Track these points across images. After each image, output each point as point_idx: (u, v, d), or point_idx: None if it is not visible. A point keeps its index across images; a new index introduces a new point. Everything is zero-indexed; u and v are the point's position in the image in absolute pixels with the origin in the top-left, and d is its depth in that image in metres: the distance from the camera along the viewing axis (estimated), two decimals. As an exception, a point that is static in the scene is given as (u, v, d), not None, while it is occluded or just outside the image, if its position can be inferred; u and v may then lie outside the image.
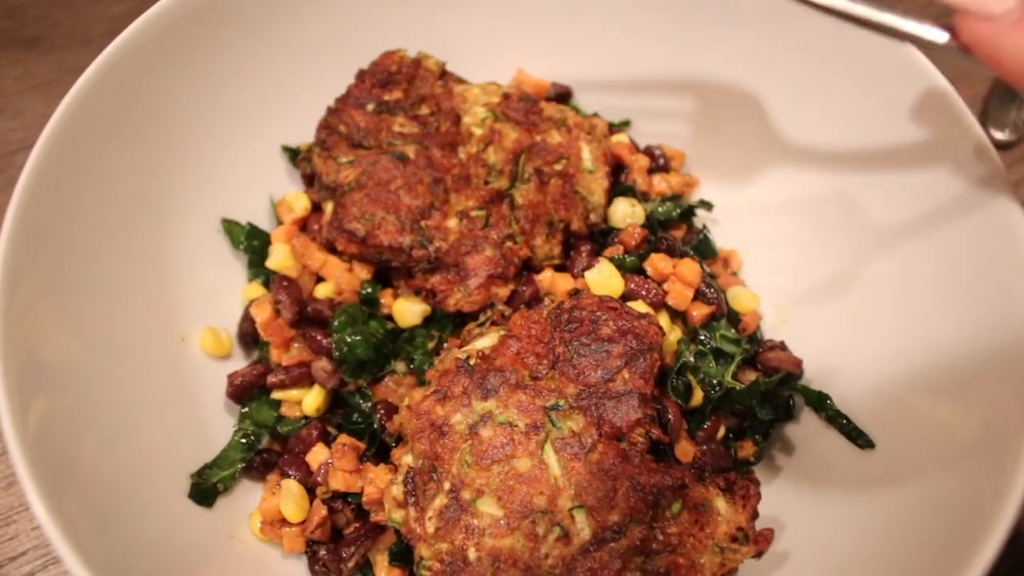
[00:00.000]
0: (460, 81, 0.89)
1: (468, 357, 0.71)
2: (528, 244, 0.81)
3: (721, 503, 0.68)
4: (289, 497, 0.73)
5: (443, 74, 0.88)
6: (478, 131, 0.84)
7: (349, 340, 0.78)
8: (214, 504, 0.75)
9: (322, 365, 0.79)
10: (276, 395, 0.80)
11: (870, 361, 0.79)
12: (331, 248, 0.84)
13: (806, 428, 0.82)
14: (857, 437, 0.76)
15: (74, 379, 0.69)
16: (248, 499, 0.78)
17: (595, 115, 0.91)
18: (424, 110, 0.85)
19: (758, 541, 0.69)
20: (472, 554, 0.64)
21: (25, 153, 1.06)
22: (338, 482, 0.73)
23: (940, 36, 0.61)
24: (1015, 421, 0.64)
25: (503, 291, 0.79)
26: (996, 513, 0.60)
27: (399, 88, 0.86)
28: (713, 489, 0.69)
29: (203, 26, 0.84)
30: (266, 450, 0.79)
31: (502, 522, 0.65)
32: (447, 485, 0.67)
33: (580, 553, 0.63)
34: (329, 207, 0.84)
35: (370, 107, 0.85)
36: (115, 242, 0.78)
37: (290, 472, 0.76)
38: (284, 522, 0.74)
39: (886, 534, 0.69)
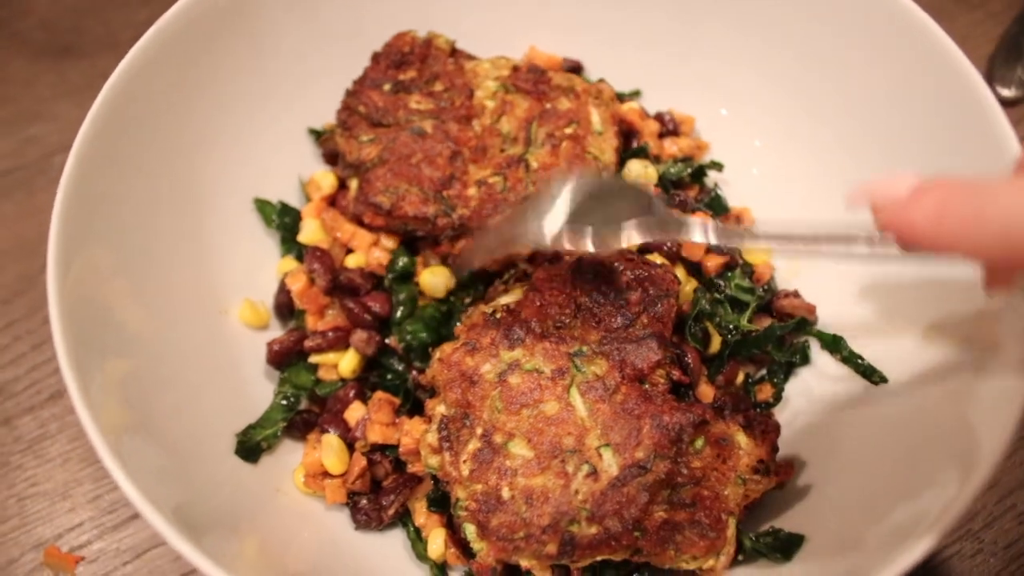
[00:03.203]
0: (471, 58, 0.93)
1: (494, 311, 0.75)
2: None
3: (742, 438, 0.71)
4: (330, 450, 0.77)
5: (453, 52, 0.93)
6: (490, 103, 0.88)
7: (411, 329, 0.82)
8: (259, 460, 0.79)
9: (360, 336, 0.83)
10: (313, 359, 0.84)
11: (878, 307, 0.82)
12: (359, 222, 0.88)
13: (821, 371, 0.85)
14: (871, 374, 0.79)
15: (133, 347, 0.74)
16: (290, 457, 0.82)
17: (601, 80, 0.94)
18: (438, 87, 0.89)
19: (779, 472, 0.72)
20: (506, 493, 0.68)
21: (62, 154, 1.11)
22: (376, 435, 0.77)
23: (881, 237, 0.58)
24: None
25: (523, 251, 0.83)
26: (993, 437, 0.62)
27: (413, 67, 0.91)
28: (733, 425, 0.72)
29: (229, 20, 0.89)
30: (306, 411, 0.83)
31: (533, 462, 0.69)
32: (479, 430, 0.70)
33: (609, 488, 0.67)
34: (354, 184, 0.88)
35: (386, 87, 0.90)
36: (159, 225, 0.83)
37: (329, 428, 0.80)
38: (326, 475, 0.78)
39: (896, 464, 0.72)
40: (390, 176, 0.85)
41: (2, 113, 1.17)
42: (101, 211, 0.76)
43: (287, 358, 0.84)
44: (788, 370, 0.85)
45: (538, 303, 0.75)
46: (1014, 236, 0.46)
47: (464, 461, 0.70)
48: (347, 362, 0.83)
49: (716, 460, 0.70)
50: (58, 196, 0.72)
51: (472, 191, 0.85)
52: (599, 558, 0.68)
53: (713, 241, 0.66)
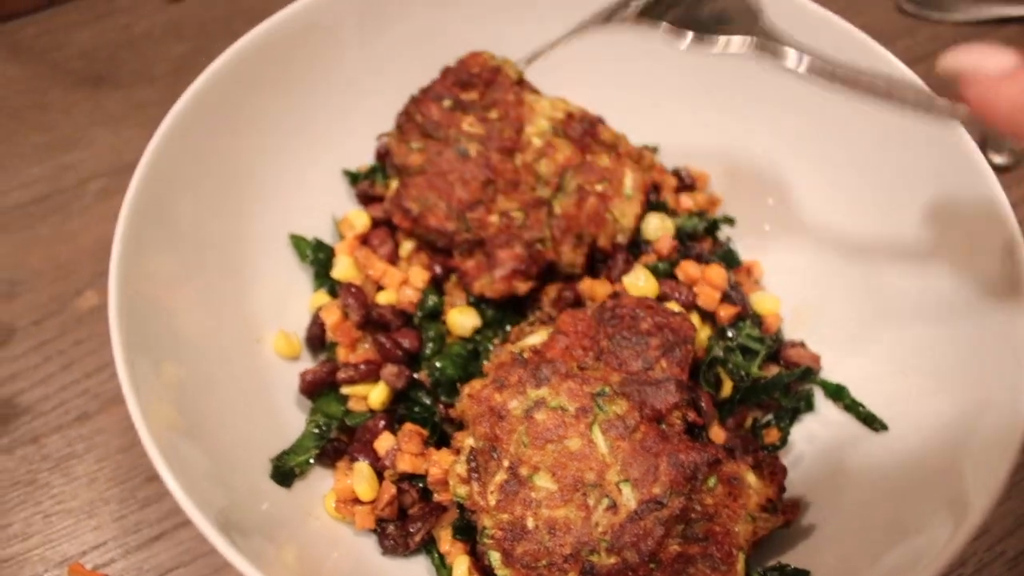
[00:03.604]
0: (534, 91, 0.98)
1: (521, 351, 0.80)
2: (556, 250, 0.90)
3: (751, 477, 0.76)
4: (361, 478, 0.81)
5: (520, 82, 0.98)
6: (537, 142, 0.94)
7: (439, 364, 0.87)
8: (292, 485, 0.83)
9: (390, 370, 0.87)
10: (344, 390, 0.88)
11: (879, 358, 0.88)
12: (387, 222, 0.94)
13: (823, 417, 0.90)
14: (872, 422, 0.84)
15: (183, 355, 0.79)
16: (321, 483, 0.86)
17: (646, 147, 1.00)
18: (493, 114, 0.95)
19: (786, 511, 0.76)
20: (530, 523, 0.72)
21: (98, 180, 1.18)
22: (406, 464, 0.81)
23: (955, 108, 0.59)
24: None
25: (523, 287, 0.89)
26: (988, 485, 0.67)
27: (476, 89, 0.96)
28: (744, 466, 0.76)
29: (278, 69, 0.95)
30: (335, 439, 0.87)
31: (556, 494, 0.73)
32: (506, 463, 0.75)
33: (627, 521, 0.71)
34: (394, 184, 0.94)
35: (446, 103, 0.95)
36: (205, 247, 0.88)
37: (360, 457, 0.84)
38: (356, 501, 0.82)
39: (892, 508, 0.77)
40: (425, 186, 0.91)
41: (40, 139, 1.21)
42: (158, 226, 0.81)
43: (319, 388, 0.88)
44: (793, 415, 0.90)
45: (563, 345, 0.80)
46: None
47: (491, 491, 0.74)
48: (377, 394, 0.87)
49: (727, 498, 0.74)
50: (124, 207, 0.78)
51: (494, 218, 0.90)
52: None
53: (803, 70, 0.67)
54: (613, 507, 0.72)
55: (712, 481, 0.74)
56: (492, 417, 0.76)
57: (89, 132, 1.22)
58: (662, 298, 0.88)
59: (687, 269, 0.90)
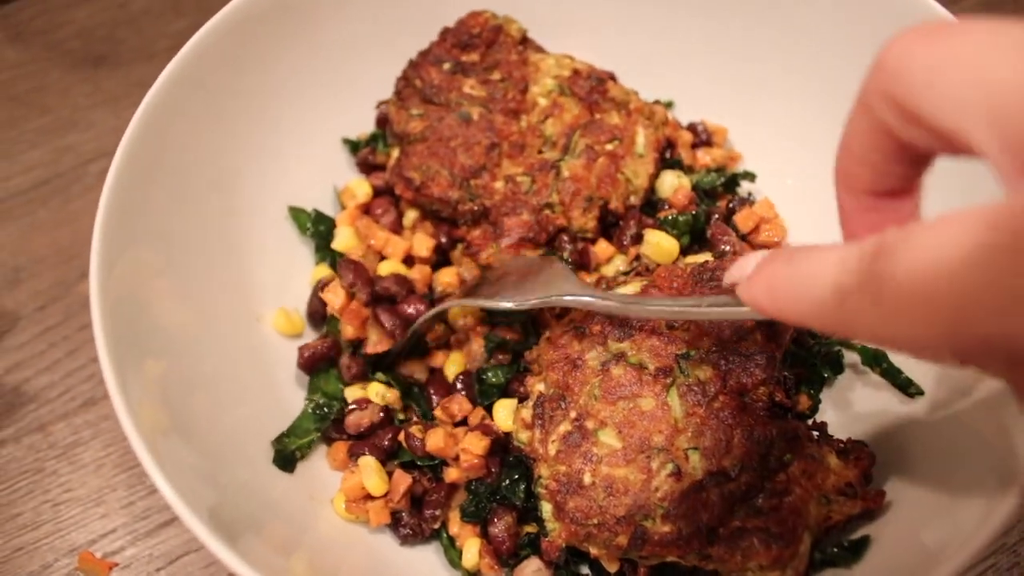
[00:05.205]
0: (539, 50, 0.93)
1: None
2: (565, 215, 0.85)
3: (833, 459, 0.71)
4: (370, 472, 0.77)
5: (523, 40, 0.93)
6: (543, 102, 0.89)
7: (484, 377, 0.82)
8: (295, 470, 0.80)
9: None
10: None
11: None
12: (389, 191, 0.91)
13: (849, 380, 0.85)
14: (908, 387, 0.79)
15: (171, 349, 0.75)
16: (320, 463, 0.83)
17: (658, 102, 0.94)
18: (496, 75, 0.90)
19: (867, 498, 0.71)
20: (587, 479, 0.69)
21: (98, 161, 1.15)
22: (437, 440, 0.77)
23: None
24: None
25: (532, 255, 0.84)
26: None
27: (477, 51, 0.91)
28: (827, 447, 0.71)
29: (268, 33, 0.90)
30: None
31: (619, 453, 0.69)
32: (573, 414, 0.71)
33: (690, 490, 0.67)
34: (395, 153, 0.90)
35: (446, 66, 0.91)
36: (196, 231, 0.84)
37: (364, 451, 0.79)
38: (368, 497, 0.78)
39: (933, 475, 0.72)
40: (427, 154, 0.87)
41: (39, 122, 1.19)
42: (143, 215, 0.77)
43: (318, 363, 0.85)
44: (823, 381, 0.84)
45: None
46: (828, 302, 0.41)
47: (553, 441, 0.71)
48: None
49: (802, 476, 0.69)
50: (102, 199, 0.73)
51: (499, 184, 0.86)
52: (668, 558, 0.68)
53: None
54: (677, 474, 0.67)
55: (788, 457, 0.69)
56: (567, 365, 0.73)
57: (89, 113, 1.20)
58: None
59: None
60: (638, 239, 0.86)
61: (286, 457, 0.79)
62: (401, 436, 0.80)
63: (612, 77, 0.99)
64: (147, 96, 0.80)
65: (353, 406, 0.82)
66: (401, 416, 0.84)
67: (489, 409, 0.79)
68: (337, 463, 0.81)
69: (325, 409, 0.82)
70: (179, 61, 0.82)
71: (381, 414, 0.81)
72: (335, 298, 0.85)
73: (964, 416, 0.73)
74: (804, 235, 0.93)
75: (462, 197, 0.85)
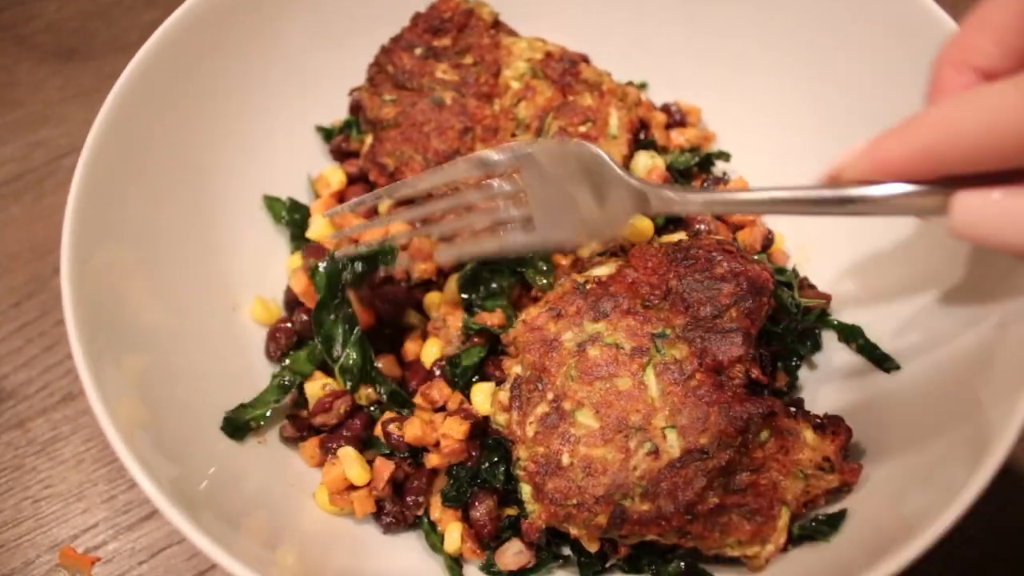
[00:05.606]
0: (511, 33, 0.93)
1: (585, 281, 0.75)
2: None
3: (809, 434, 0.72)
4: (351, 461, 0.77)
5: (495, 24, 0.93)
6: (515, 85, 0.89)
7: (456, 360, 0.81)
8: (244, 439, 0.79)
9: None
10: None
11: (890, 290, 0.82)
12: (364, 178, 0.91)
13: (826, 356, 0.85)
14: (885, 362, 0.79)
15: (146, 343, 0.75)
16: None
17: (630, 83, 0.94)
18: (468, 60, 0.90)
19: (844, 472, 0.72)
20: (566, 459, 0.69)
21: (71, 157, 1.14)
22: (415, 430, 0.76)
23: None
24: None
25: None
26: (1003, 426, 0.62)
27: (448, 35, 0.91)
28: (804, 422, 0.72)
29: (236, 20, 0.89)
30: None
31: (597, 433, 0.69)
32: (550, 395, 0.71)
33: (667, 468, 0.67)
34: (368, 139, 0.90)
35: (418, 51, 0.91)
36: (170, 223, 0.83)
37: (341, 443, 0.79)
38: (351, 488, 0.77)
39: (907, 445, 0.72)
40: (400, 140, 0.87)
41: (10, 117, 1.18)
42: (113, 210, 0.76)
43: (287, 348, 0.85)
44: (800, 358, 0.85)
45: (630, 280, 0.75)
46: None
47: (531, 423, 0.71)
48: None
49: (779, 452, 0.70)
50: (70, 196, 0.73)
51: None
52: (647, 537, 0.68)
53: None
54: (655, 453, 0.68)
55: (765, 434, 0.70)
56: (543, 346, 0.73)
57: (60, 107, 1.19)
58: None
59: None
60: (613, 220, 0.86)
61: (236, 426, 0.78)
62: (378, 431, 0.79)
63: (585, 59, 0.99)
64: (114, 88, 0.79)
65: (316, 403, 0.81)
66: (364, 401, 0.83)
67: (467, 393, 0.79)
68: (314, 460, 0.81)
69: (289, 383, 0.82)
70: (147, 51, 0.81)
71: (346, 406, 0.80)
72: (298, 282, 0.85)
73: (939, 390, 0.73)
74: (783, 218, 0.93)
75: None
